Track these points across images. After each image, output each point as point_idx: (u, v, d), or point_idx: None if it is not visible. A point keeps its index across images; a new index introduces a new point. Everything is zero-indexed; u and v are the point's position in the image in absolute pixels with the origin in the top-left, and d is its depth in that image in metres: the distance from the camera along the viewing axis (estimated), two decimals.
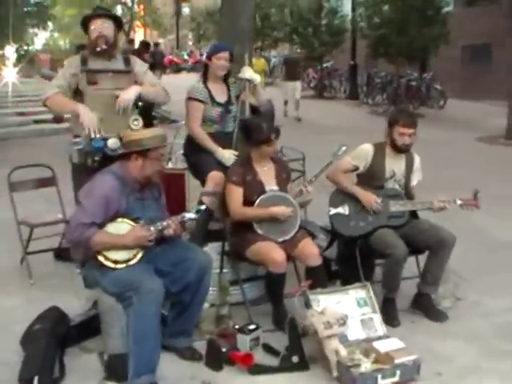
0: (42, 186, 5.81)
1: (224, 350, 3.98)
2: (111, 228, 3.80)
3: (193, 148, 5.16)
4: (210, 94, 5.20)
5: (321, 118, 17.57)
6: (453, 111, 19.21)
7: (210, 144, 5.09)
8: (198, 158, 5.13)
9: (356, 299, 4.28)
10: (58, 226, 5.69)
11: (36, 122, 14.58)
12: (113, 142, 4.49)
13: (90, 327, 4.26)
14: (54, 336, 4.00)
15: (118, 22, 4.94)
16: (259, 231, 4.46)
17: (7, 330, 4.43)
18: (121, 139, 4.50)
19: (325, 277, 4.47)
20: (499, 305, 5.01)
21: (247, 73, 5.27)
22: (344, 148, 4.63)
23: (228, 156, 5.01)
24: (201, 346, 4.14)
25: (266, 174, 4.62)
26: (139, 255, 3.83)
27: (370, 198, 4.78)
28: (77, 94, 4.72)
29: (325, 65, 23.94)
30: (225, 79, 5.31)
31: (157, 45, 21.78)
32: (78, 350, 4.19)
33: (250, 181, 4.55)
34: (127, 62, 4.89)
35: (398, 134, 4.76)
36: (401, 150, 4.83)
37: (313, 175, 4.62)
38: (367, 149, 4.88)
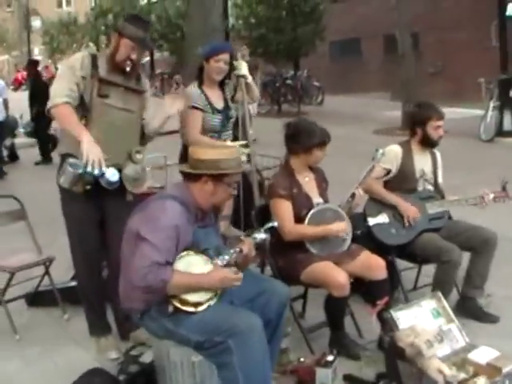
0: (12, 221, 4.97)
1: None
2: (181, 264, 3.16)
3: None
4: (209, 100, 4.72)
5: None
6: (332, 107, 19.45)
7: (218, 143, 4.61)
8: None
9: (430, 311, 3.93)
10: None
11: None
12: (112, 174, 3.86)
13: None
14: None
15: None
16: (313, 250, 4.00)
17: None
18: (119, 170, 3.93)
19: (390, 291, 4.10)
20: None
21: (243, 69, 4.87)
22: (381, 151, 4.29)
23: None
24: None
25: (309, 185, 4.18)
26: (219, 293, 3.23)
27: (411, 211, 4.51)
28: (79, 103, 3.94)
29: None
30: (220, 82, 4.83)
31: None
32: None
33: (297, 194, 4.07)
34: (138, 79, 4.15)
35: (433, 128, 4.61)
36: (436, 144, 4.70)
37: (358, 182, 4.23)
38: (396, 150, 4.65)
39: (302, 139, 4.07)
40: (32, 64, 13.04)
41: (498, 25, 12.52)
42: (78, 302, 4.74)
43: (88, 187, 3.82)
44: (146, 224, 3.17)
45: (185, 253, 3.21)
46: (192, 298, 3.14)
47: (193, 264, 3.18)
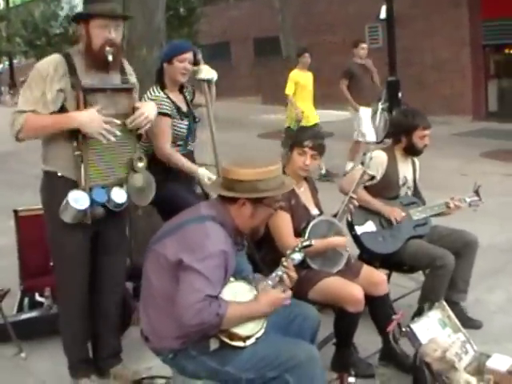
0: None
1: None
2: (227, 293, 2.78)
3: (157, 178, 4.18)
4: (175, 104, 4.25)
5: None
6: None
7: (188, 165, 4.17)
8: (169, 192, 4.07)
9: (438, 321, 3.82)
10: None
11: None
12: (119, 194, 3.48)
13: None
14: None
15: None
16: (313, 266, 3.75)
17: None
18: (121, 185, 3.53)
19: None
20: (497, 299, 4.95)
21: (209, 73, 4.41)
22: (369, 154, 4.13)
23: (209, 175, 4.12)
24: None
25: (305, 195, 3.93)
26: (265, 323, 2.90)
27: (395, 212, 4.41)
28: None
29: None
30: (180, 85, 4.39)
31: None
32: None
33: (295, 206, 3.80)
34: (123, 71, 3.60)
35: (418, 137, 4.48)
36: (420, 152, 4.57)
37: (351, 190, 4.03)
38: (382, 156, 4.48)
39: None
40: None
41: (386, 26, 12.74)
42: (30, 336, 4.30)
43: (98, 217, 3.43)
44: (190, 252, 2.73)
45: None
46: (243, 331, 2.79)
47: (239, 292, 2.84)
